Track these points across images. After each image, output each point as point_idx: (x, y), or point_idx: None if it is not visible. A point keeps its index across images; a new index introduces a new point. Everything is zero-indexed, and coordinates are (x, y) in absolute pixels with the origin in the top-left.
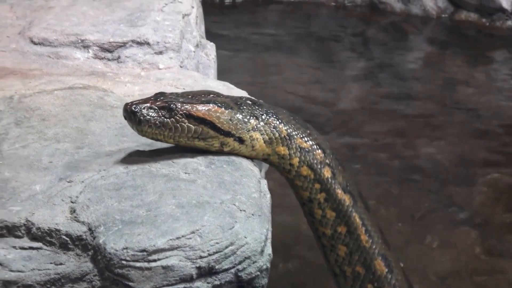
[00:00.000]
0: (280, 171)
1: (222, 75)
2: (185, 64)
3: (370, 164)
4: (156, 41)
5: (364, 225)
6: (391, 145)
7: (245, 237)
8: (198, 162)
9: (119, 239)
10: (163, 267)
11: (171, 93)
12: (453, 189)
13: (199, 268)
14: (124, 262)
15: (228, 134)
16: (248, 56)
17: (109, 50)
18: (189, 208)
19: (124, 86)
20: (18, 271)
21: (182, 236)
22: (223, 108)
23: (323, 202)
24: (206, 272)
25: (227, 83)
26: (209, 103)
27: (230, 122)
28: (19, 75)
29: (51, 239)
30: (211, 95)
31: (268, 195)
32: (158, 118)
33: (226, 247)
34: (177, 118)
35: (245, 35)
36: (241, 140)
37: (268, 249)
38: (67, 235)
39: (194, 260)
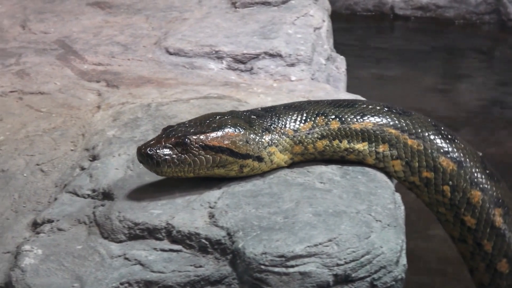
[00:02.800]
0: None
1: (350, 88)
2: (316, 76)
3: None
4: (288, 54)
5: None
6: None
7: (381, 247)
8: (333, 172)
9: (258, 244)
10: (301, 273)
11: (179, 125)
12: None
13: (335, 275)
14: (262, 266)
15: (246, 156)
16: (375, 70)
17: (242, 62)
18: (326, 216)
19: (257, 97)
20: (159, 272)
21: (320, 244)
22: (236, 131)
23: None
24: (342, 280)
25: (359, 96)
26: (222, 129)
27: (247, 144)
28: (155, 84)
29: (191, 242)
30: (218, 117)
31: (403, 207)
32: (175, 156)
33: (362, 256)
34: (194, 152)
35: (371, 49)
36: (259, 159)
37: (403, 260)
38: (206, 238)
39: (331, 268)
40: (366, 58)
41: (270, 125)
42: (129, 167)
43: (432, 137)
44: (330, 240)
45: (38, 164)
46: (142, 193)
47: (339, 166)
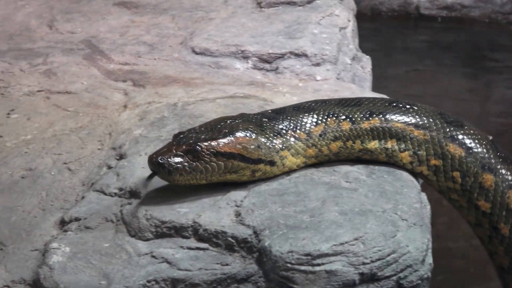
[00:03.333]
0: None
1: (375, 88)
2: (342, 76)
3: None
4: (314, 53)
5: None
6: None
7: (407, 246)
8: (359, 172)
9: (284, 243)
10: (327, 272)
11: (189, 131)
12: None
13: (361, 274)
14: (289, 265)
15: (258, 161)
16: (400, 69)
17: (268, 61)
18: (352, 215)
19: (283, 96)
20: (186, 270)
21: (346, 242)
22: (247, 136)
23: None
24: (368, 279)
25: (385, 96)
26: (232, 134)
27: (259, 149)
28: (181, 83)
29: (217, 241)
30: (228, 122)
31: (428, 206)
32: (187, 164)
33: (389, 255)
34: (205, 159)
35: (396, 49)
36: (272, 163)
37: (429, 259)
38: (233, 237)
39: (357, 266)
40: (391, 57)
41: (282, 129)
42: None
43: (438, 125)
44: (356, 239)
45: (65, 163)
46: (168, 192)
47: (365, 165)
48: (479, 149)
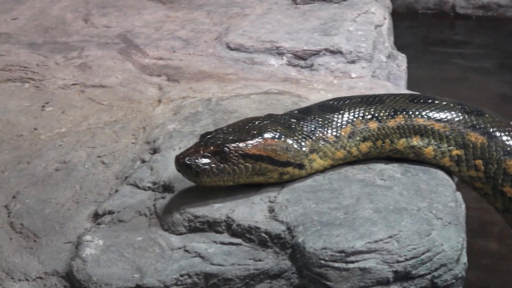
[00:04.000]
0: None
1: (410, 86)
2: (377, 74)
3: None
4: (349, 50)
5: None
6: None
7: (442, 245)
8: (393, 169)
9: (318, 240)
10: (361, 269)
11: (217, 131)
12: None
13: (395, 272)
14: (322, 262)
15: (287, 164)
16: (436, 68)
17: (302, 58)
18: (386, 213)
19: (317, 93)
20: (219, 265)
21: (380, 240)
22: (276, 138)
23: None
24: (402, 277)
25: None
26: (261, 136)
27: (288, 151)
28: (216, 79)
29: (251, 236)
30: (257, 123)
31: (464, 205)
32: (214, 165)
33: (423, 253)
34: (233, 160)
35: (432, 48)
36: (300, 166)
37: (464, 258)
38: (266, 233)
39: (391, 264)
40: (426, 56)
41: (311, 131)
42: None
43: (457, 116)
44: (390, 237)
45: (99, 156)
46: (202, 187)
47: (400, 163)
48: (502, 136)
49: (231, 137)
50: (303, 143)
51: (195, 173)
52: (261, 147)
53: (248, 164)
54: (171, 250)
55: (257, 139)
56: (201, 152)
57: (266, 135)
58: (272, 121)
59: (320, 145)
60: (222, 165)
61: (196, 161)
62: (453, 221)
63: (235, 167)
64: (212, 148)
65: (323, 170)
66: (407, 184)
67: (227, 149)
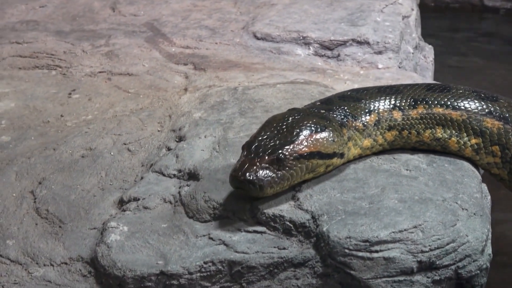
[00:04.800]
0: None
1: (436, 78)
2: (404, 65)
3: None
4: (376, 41)
5: None
6: None
7: (467, 236)
8: (419, 160)
9: (343, 229)
10: (385, 259)
11: (256, 138)
12: None
13: (420, 262)
14: (347, 251)
15: (333, 155)
16: (463, 60)
17: (329, 48)
18: (411, 203)
19: (343, 84)
20: (243, 253)
21: (405, 230)
22: (320, 132)
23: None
24: (426, 267)
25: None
26: (306, 133)
27: (333, 142)
28: (242, 68)
29: (275, 224)
30: (290, 120)
31: (489, 197)
32: (275, 175)
33: (448, 244)
34: (289, 165)
35: (459, 40)
36: (342, 155)
37: (489, 249)
38: (290, 221)
39: (416, 254)
40: (453, 48)
41: (342, 119)
42: (215, 149)
43: (474, 103)
44: (415, 227)
45: (125, 144)
46: (227, 174)
47: (426, 154)
48: None
49: (278, 142)
50: (341, 132)
51: (259, 188)
52: (311, 144)
53: (302, 164)
54: (195, 238)
55: (304, 137)
56: (258, 164)
57: (309, 131)
58: (303, 115)
59: (353, 133)
60: (281, 172)
61: (257, 174)
62: (478, 212)
63: (292, 171)
64: (267, 157)
65: (356, 158)
66: (432, 175)
67: (283, 156)
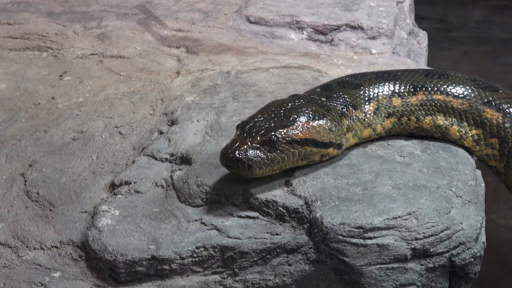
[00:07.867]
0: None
1: (430, 63)
2: (397, 50)
3: None
4: (370, 26)
5: None
6: None
7: (461, 223)
8: (413, 146)
9: (336, 215)
10: (378, 245)
11: (253, 119)
12: None
13: (413, 249)
14: (340, 237)
15: (329, 145)
16: (455, 47)
17: (323, 33)
18: (405, 190)
19: (337, 69)
20: (235, 238)
21: (399, 217)
22: (317, 120)
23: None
24: (420, 254)
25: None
26: (303, 119)
27: (330, 131)
28: (235, 52)
29: (268, 210)
30: (289, 105)
31: (483, 184)
32: (265, 156)
33: (442, 231)
34: (281, 148)
35: (453, 25)
36: (339, 146)
37: (483, 237)
38: (283, 207)
39: (409, 241)
40: (447, 33)
41: (342, 108)
42: (207, 133)
43: (474, 92)
44: (409, 214)
45: (116, 127)
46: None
47: (420, 140)
48: None
49: (273, 124)
50: (340, 122)
51: (247, 167)
52: (306, 130)
53: (295, 149)
54: (187, 222)
55: (299, 122)
56: (249, 143)
57: (307, 118)
58: (304, 102)
59: (353, 123)
60: (271, 154)
61: (247, 153)
62: (473, 199)
63: (283, 154)
64: (259, 138)
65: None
66: (426, 161)
67: (275, 138)
